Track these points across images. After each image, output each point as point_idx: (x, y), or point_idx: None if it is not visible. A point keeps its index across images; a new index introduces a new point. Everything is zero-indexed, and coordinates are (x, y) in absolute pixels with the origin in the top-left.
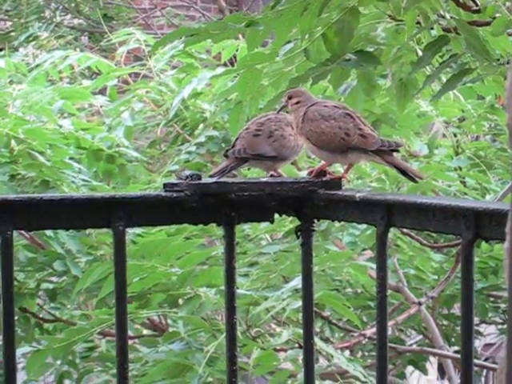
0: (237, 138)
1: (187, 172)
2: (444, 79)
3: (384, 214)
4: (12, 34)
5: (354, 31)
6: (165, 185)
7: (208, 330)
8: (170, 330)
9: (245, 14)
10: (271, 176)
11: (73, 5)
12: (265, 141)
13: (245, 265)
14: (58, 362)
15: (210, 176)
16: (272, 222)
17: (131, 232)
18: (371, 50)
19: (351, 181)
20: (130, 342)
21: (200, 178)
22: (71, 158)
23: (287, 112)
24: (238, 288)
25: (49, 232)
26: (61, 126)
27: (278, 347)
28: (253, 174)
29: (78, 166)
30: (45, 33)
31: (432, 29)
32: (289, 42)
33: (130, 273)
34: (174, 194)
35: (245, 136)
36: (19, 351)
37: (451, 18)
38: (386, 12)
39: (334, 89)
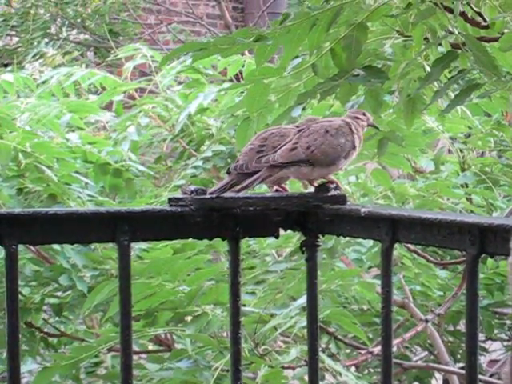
0: (241, 154)
1: (192, 187)
2: (452, 95)
3: (389, 229)
4: (19, 49)
5: (362, 47)
6: (170, 199)
7: (216, 347)
8: (177, 346)
9: (253, 29)
10: (276, 191)
11: (79, 20)
12: None
13: (251, 282)
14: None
15: (210, 193)
16: (277, 236)
17: (137, 247)
18: (379, 65)
19: (356, 199)
20: (136, 358)
21: (205, 193)
22: (78, 172)
23: None
24: (244, 305)
25: (56, 246)
26: (68, 140)
27: (286, 365)
28: (260, 189)
29: (85, 180)
30: (51, 49)
31: (440, 44)
32: (297, 57)
33: (138, 291)
34: (179, 209)
35: (248, 152)
36: (24, 368)
37: (459, 33)
38: (394, 28)
39: (342, 104)
